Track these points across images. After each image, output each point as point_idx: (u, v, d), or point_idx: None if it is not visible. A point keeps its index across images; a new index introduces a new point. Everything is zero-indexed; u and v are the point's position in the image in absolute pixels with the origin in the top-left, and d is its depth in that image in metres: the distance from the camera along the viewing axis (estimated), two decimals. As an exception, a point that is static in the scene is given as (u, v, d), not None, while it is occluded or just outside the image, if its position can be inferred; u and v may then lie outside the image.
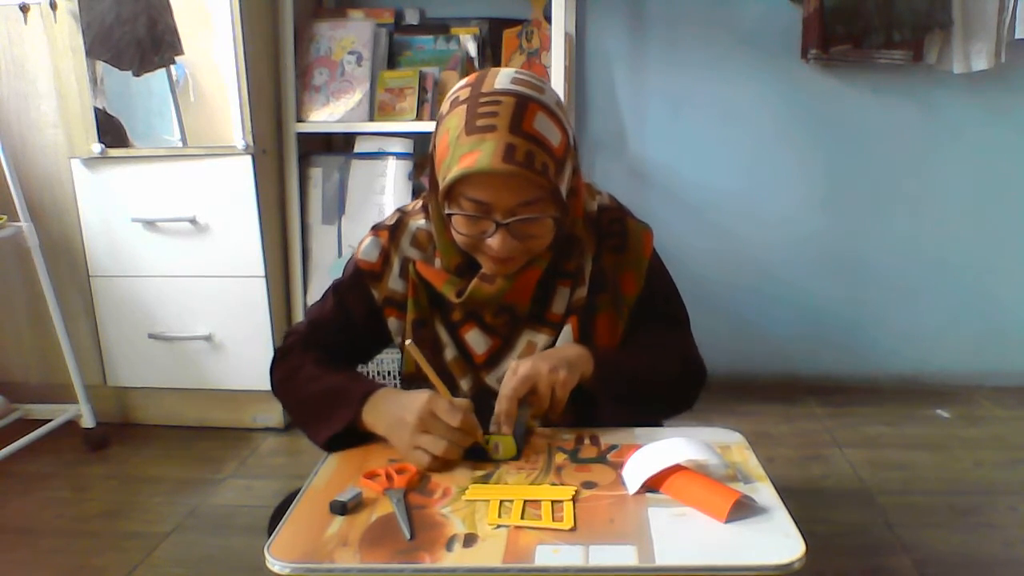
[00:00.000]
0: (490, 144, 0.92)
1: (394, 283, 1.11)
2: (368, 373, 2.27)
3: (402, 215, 1.14)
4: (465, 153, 0.93)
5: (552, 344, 1.08)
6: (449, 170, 0.95)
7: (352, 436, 1.01)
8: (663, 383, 1.08)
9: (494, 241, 0.97)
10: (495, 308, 1.08)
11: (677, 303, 1.17)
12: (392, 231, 1.12)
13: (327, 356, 1.11)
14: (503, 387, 0.99)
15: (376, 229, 1.14)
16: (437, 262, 1.09)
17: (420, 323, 1.10)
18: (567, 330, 1.08)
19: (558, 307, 1.08)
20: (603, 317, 1.09)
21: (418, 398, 0.96)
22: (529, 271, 1.04)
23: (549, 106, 0.97)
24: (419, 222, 1.12)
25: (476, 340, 1.09)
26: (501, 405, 0.98)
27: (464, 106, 0.96)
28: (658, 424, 1.14)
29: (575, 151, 1.03)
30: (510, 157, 0.92)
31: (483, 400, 1.04)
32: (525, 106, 0.94)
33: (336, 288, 1.15)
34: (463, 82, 1.01)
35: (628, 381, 1.04)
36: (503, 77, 0.98)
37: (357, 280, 1.13)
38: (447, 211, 0.99)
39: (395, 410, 0.97)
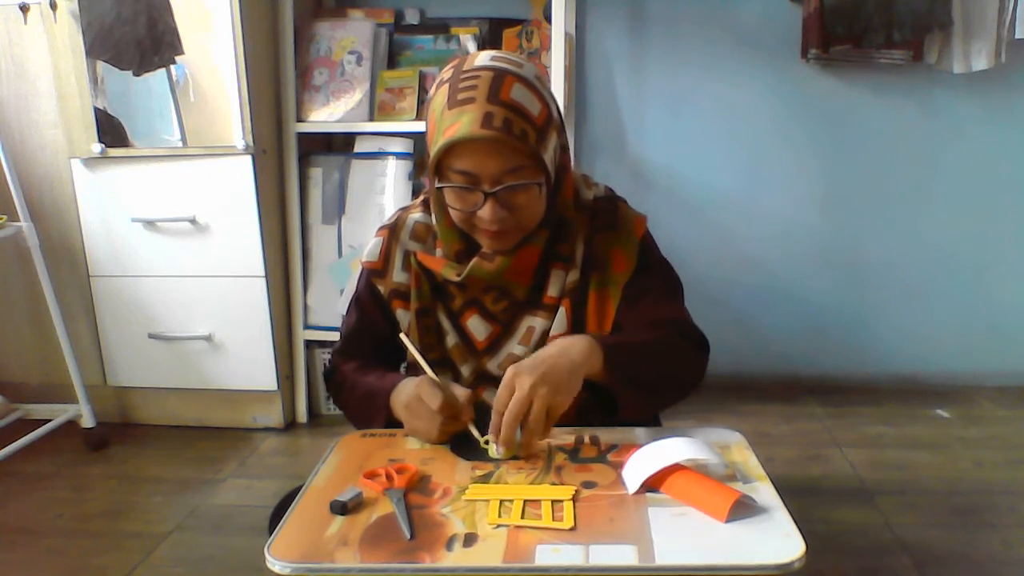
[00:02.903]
0: (469, 114, 0.96)
1: (398, 276, 1.14)
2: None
3: (401, 212, 1.19)
4: (448, 126, 0.97)
5: (551, 327, 1.09)
6: (435, 145, 0.99)
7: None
8: (671, 355, 1.06)
9: (484, 212, 1.00)
10: (496, 293, 1.10)
11: (671, 277, 1.16)
12: (392, 228, 1.17)
13: (365, 363, 1.17)
14: (496, 399, 0.94)
15: (378, 230, 1.19)
16: (438, 251, 1.12)
17: (423, 312, 1.13)
18: (561, 313, 1.09)
19: (553, 290, 1.10)
20: (593, 296, 1.10)
21: (411, 384, 1.02)
22: (527, 249, 1.06)
23: (527, 78, 1.01)
24: (417, 216, 1.16)
25: (477, 327, 1.12)
26: (494, 419, 0.95)
27: (447, 85, 1.01)
28: (658, 424, 1.15)
29: (561, 127, 1.05)
30: (488, 124, 0.95)
31: (483, 383, 1.08)
32: (502, 78, 0.99)
33: (355, 299, 1.21)
34: (448, 65, 1.05)
35: (639, 360, 1.01)
36: (483, 56, 1.02)
37: (367, 283, 1.17)
38: (438, 185, 1.02)
39: (403, 398, 1.03)
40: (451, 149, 0.98)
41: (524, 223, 1.04)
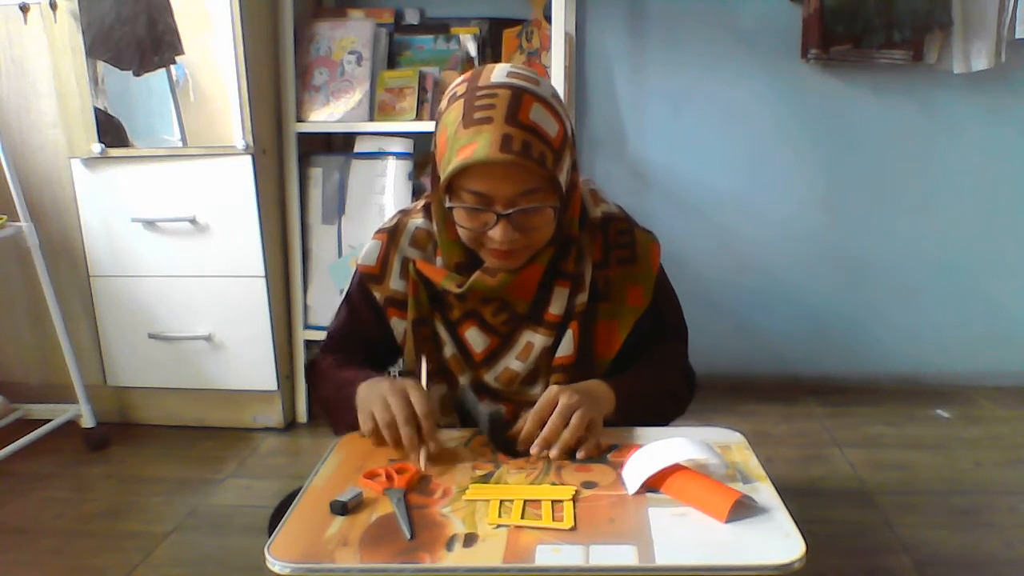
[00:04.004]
0: (487, 135, 0.93)
1: (395, 283, 1.12)
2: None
3: (402, 216, 1.16)
4: (463, 146, 0.94)
5: (551, 346, 1.09)
6: (449, 164, 0.96)
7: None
8: (670, 402, 1.15)
9: (496, 233, 0.98)
10: (496, 306, 1.08)
11: (679, 316, 1.20)
12: (391, 233, 1.14)
13: (346, 358, 1.15)
14: (536, 408, 0.97)
15: (376, 233, 1.16)
16: (438, 260, 1.10)
17: (420, 321, 1.11)
18: (568, 335, 1.08)
19: (556, 308, 1.08)
20: (603, 325, 1.10)
21: (405, 380, 1.00)
22: (531, 266, 1.05)
23: (545, 97, 0.98)
24: (418, 221, 1.13)
25: (475, 338, 1.10)
26: (531, 424, 0.97)
27: (461, 101, 0.97)
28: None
29: (573, 145, 1.03)
30: (507, 147, 0.93)
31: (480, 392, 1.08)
32: (521, 98, 0.96)
33: (346, 298, 1.19)
34: (460, 78, 1.02)
35: (643, 409, 1.07)
36: (499, 71, 0.99)
37: (361, 286, 1.15)
38: (448, 204, 1.00)
39: (379, 386, 0.99)
40: (465, 170, 0.95)
41: (534, 244, 1.02)
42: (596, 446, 0.97)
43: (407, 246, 1.12)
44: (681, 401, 1.17)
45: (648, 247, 1.13)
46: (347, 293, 1.19)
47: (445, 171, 0.97)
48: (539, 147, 0.95)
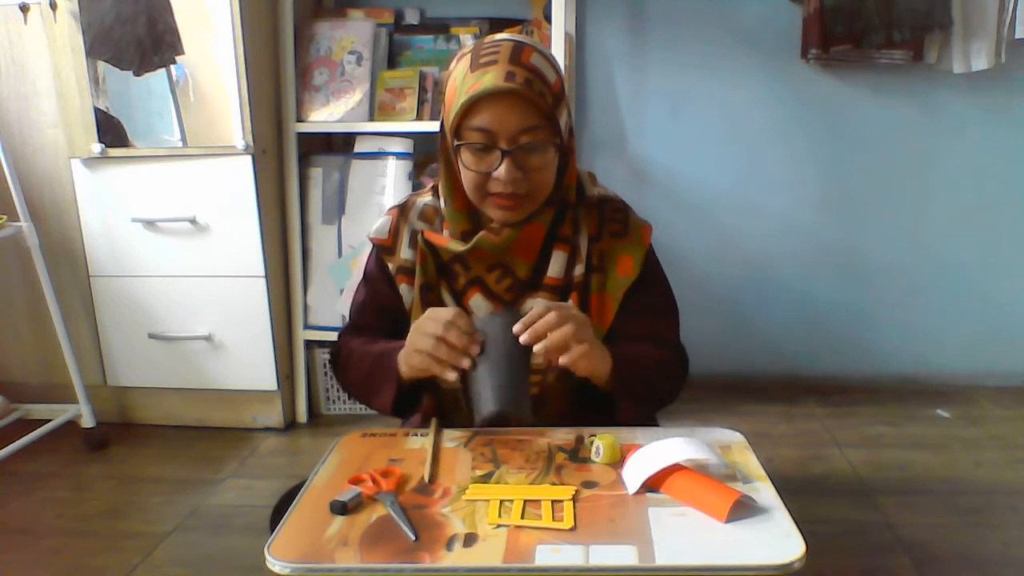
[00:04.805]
0: (492, 72, 1.01)
1: (405, 253, 1.17)
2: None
3: (411, 195, 1.23)
4: (470, 86, 1.02)
5: None
6: (456, 106, 1.03)
7: (416, 394, 1.09)
8: (665, 374, 1.14)
9: (500, 172, 1.03)
10: (499, 273, 1.12)
11: (669, 294, 1.22)
12: (401, 208, 1.20)
13: (373, 337, 1.18)
14: (530, 314, 0.99)
15: (388, 209, 1.22)
16: (445, 233, 1.15)
17: (427, 288, 1.15)
18: (569, 304, 1.11)
19: (554, 271, 1.12)
20: (596, 297, 1.14)
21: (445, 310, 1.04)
22: (532, 225, 1.10)
23: (544, 52, 1.07)
24: (426, 199, 1.19)
25: (479, 306, 1.14)
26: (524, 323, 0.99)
27: (468, 56, 1.06)
28: (657, 424, 1.15)
29: (569, 109, 1.09)
30: (511, 79, 1.01)
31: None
32: (522, 47, 1.05)
33: (364, 276, 1.23)
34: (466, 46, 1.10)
35: (639, 376, 1.07)
36: (501, 35, 1.08)
37: (376, 258, 1.20)
38: (457, 143, 1.05)
39: (412, 341, 1.04)
40: (472, 107, 1.01)
41: (536, 189, 1.06)
42: (585, 355, 0.98)
43: (416, 220, 1.18)
44: (675, 376, 1.16)
45: (640, 227, 1.17)
46: (364, 272, 1.23)
47: (454, 112, 1.03)
48: (539, 85, 1.02)
